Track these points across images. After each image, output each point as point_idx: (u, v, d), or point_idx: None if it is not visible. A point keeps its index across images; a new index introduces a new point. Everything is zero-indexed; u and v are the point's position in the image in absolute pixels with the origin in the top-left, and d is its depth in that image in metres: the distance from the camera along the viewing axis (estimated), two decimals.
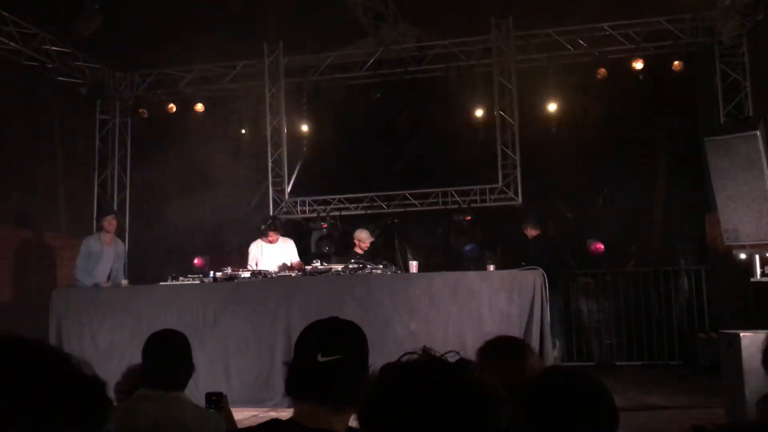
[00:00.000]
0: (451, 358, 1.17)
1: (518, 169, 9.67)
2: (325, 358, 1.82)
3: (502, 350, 2.42)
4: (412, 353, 1.18)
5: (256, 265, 7.96)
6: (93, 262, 8.01)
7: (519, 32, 9.81)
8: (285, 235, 8.61)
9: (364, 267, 7.07)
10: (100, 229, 8.33)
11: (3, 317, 8.36)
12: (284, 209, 10.46)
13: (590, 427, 1.69)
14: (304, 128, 10.85)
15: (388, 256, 9.56)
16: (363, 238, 8.76)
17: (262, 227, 8.35)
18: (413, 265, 7.41)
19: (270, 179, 10.44)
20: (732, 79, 9.15)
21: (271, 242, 8.19)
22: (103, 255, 8.11)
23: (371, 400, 1.14)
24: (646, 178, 9.70)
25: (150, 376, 2.65)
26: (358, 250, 8.72)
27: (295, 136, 10.72)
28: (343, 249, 9.32)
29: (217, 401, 2.69)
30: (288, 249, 8.27)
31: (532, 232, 8.93)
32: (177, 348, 2.71)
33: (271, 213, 10.42)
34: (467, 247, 9.60)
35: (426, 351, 1.18)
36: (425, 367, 1.13)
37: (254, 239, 10.75)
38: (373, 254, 8.65)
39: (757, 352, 4.62)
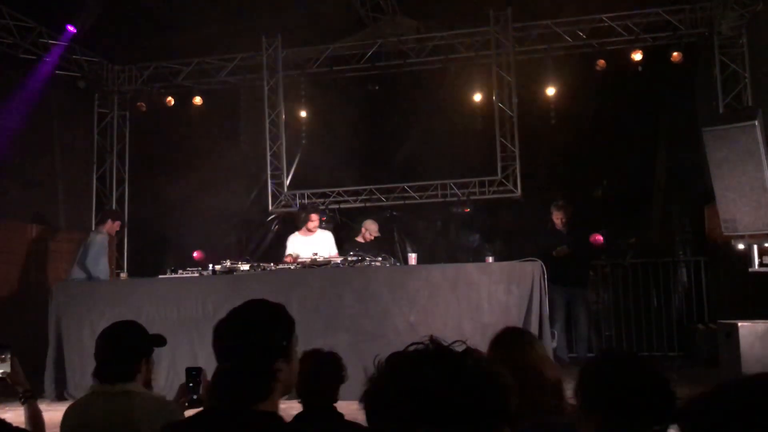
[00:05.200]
0: (458, 348, 1.16)
1: (517, 161, 9.66)
2: None
3: (509, 341, 2.47)
4: (419, 343, 1.17)
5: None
6: (104, 258, 8.27)
7: (517, 24, 9.80)
8: (295, 228, 8.43)
9: (363, 259, 7.08)
10: (103, 224, 8.53)
11: (2, 312, 8.37)
12: (283, 202, 10.47)
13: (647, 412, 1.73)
14: (303, 121, 10.84)
15: (387, 248, 9.57)
16: (372, 230, 8.79)
17: (303, 215, 8.07)
18: (412, 258, 7.42)
19: (269, 172, 10.43)
20: (731, 70, 9.14)
21: (310, 231, 7.92)
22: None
23: (378, 389, 1.13)
24: (645, 169, 9.69)
25: (96, 370, 2.67)
26: (361, 239, 8.75)
27: (293, 129, 10.70)
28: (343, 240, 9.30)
29: (196, 376, 2.70)
30: (326, 240, 7.97)
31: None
32: (115, 339, 2.69)
33: (270, 207, 10.44)
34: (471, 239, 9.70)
35: (433, 340, 1.17)
36: (433, 355, 1.13)
37: (256, 232, 10.75)
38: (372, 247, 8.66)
39: (756, 341, 4.65)
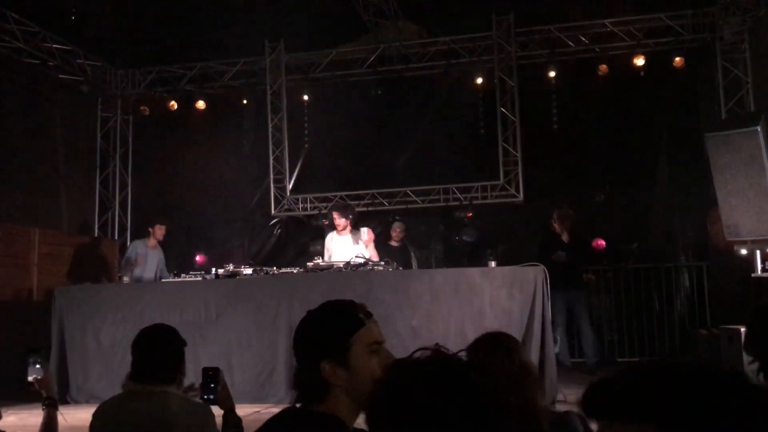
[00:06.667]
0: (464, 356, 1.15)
1: (519, 165, 9.67)
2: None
3: (491, 347, 2.44)
4: (425, 348, 1.17)
5: (329, 257, 7.56)
6: (140, 265, 8.60)
7: (520, 28, 9.82)
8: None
9: (366, 264, 7.08)
10: (147, 234, 8.92)
11: (6, 316, 8.39)
12: (285, 206, 10.48)
13: None
14: (306, 125, 10.86)
15: (410, 250, 9.65)
16: (401, 229, 8.92)
17: (328, 212, 7.94)
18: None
19: (271, 176, 10.45)
20: (733, 75, 9.15)
21: (339, 227, 7.58)
22: (148, 259, 8.67)
23: (381, 396, 1.13)
24: (648, 174, 9.70)
25: (135, 371, 2.66)
26: (394, 243, 8.90)
27: (296, 133, 10.72)
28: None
29: (214, 376, 2.69)
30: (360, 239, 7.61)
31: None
32: (162, 342, 2.70)
33: (273, 211, 10.46)
34: (466, 237, 9.69)
35: (438, 348, 1.16)
36: (435, 368, 1.13)
37: (259, 236, 10.74)
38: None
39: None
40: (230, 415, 2.76)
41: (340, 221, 7.59)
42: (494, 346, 2.44)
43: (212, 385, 2.68)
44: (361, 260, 7.10)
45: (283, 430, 1.73)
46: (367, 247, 7.55)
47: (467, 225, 9.80)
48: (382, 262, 7.13)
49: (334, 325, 1.77)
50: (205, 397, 2.68)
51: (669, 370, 0.90)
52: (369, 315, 1.80)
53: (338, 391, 1.72)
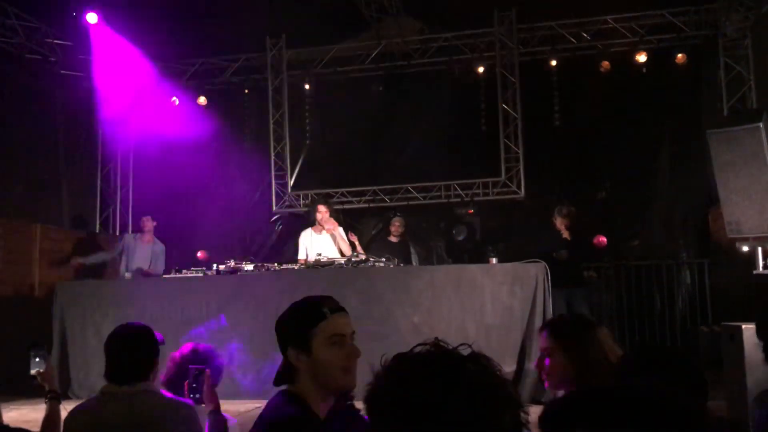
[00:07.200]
0: (464, 351, 1.16)
1: (521, 162, 9.66)
2: None
3: (571, 328, 2.48)
4: (424, 344, 1.17)
5: (306, 255, 7.54)
6: (126, 256, 8.76)
7: (522, 25, 9.80)
8: (301, 227, 8.22)
9: (367, 260, 7.08)
10: (140, 229, 9.15)
11: (7, 312, 8.39)
12: (287, 202, 10.48)
13: None
14: (307, 121, 10.85)
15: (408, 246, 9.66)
16: (401, 223, 8.96)
17: (310, 209, 7.91)
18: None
19: (272, 172, 10.45)
20: (736, 72, 9.13)
21: (323, 220, 7.53)
22: (137, 251, 8.76)
23: (378, 390, 1.14)
24: (649, 171, 9.69)
25: (109, 372, 2.64)
26: (394, 239, 8.91)
27: (297, 130, 10.72)
28: None
29: (199, 375, 2.71)
30: (337, 235, 7.59)
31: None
32: (132, 344, 2.68)
33: (274, 207, 10.45)
34: (456, 235, 9.72)
35: (437, 343, 1.17)
36: (434, 360, 1.13)
37: (260, 232, 10.70)
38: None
39: (759, 344, 4.63)
40: (214, 414, 2.76)
41: (326, 214, 7.59)
42: (583, 326, 2.50)
43: (196, 385, 2.70)
44: (363, 257, 7.11)
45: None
46: (334, 234, 7.55)
47: (460, 223, 9.82)
48: (383, 259, 7.12)
49: (299, 316, 2.05)
50: (191, 395, 2.70)
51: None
52: (337, 309, 2.05)
53: (304, 374, 1.99)
